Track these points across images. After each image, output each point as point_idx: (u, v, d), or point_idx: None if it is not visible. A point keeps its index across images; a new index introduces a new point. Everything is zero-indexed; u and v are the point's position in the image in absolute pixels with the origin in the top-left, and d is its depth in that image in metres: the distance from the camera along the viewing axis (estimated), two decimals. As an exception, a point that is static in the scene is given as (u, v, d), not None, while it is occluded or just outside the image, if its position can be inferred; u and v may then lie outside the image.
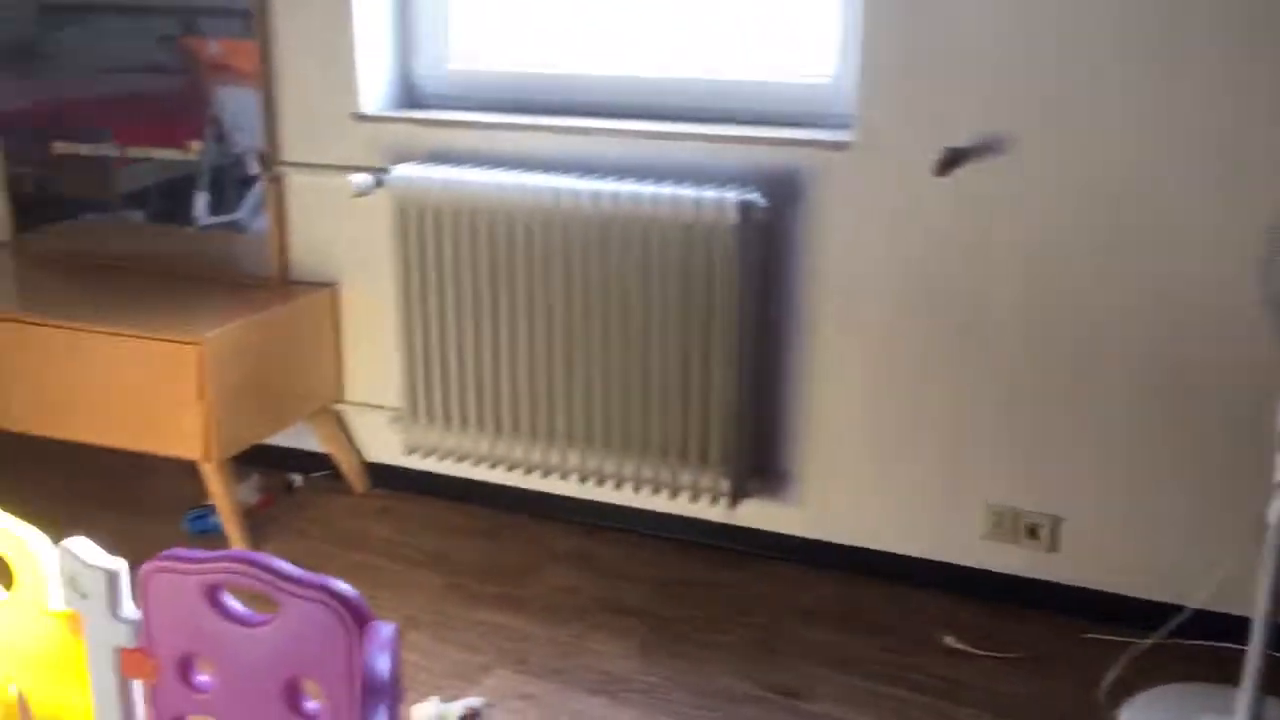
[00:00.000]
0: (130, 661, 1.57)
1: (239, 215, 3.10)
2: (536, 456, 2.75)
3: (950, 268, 2.43)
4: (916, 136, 2.39)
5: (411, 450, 2.88)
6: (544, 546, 2.80)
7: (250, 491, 3.00)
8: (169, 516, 2.89)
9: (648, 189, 2.50)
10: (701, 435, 2.58)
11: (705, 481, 2.61)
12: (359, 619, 1.43)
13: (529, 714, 2.17)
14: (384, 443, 3.04)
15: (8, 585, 1.65)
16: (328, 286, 2.98)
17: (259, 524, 2.88)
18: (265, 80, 2.90)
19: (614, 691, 2.23)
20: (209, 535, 2.82)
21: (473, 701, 2.18)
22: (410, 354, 2.81)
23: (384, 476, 3.09)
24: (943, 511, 2.55)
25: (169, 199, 3.19)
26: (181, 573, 1.51)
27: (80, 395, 2.72)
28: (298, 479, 3.14)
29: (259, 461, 2.98)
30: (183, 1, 2.96)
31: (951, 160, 2.34)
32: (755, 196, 2.47)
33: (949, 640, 2.38)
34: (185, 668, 1.55)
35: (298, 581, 1.45)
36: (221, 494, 2.71)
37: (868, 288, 2.51)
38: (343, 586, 1.44)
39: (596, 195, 2.53)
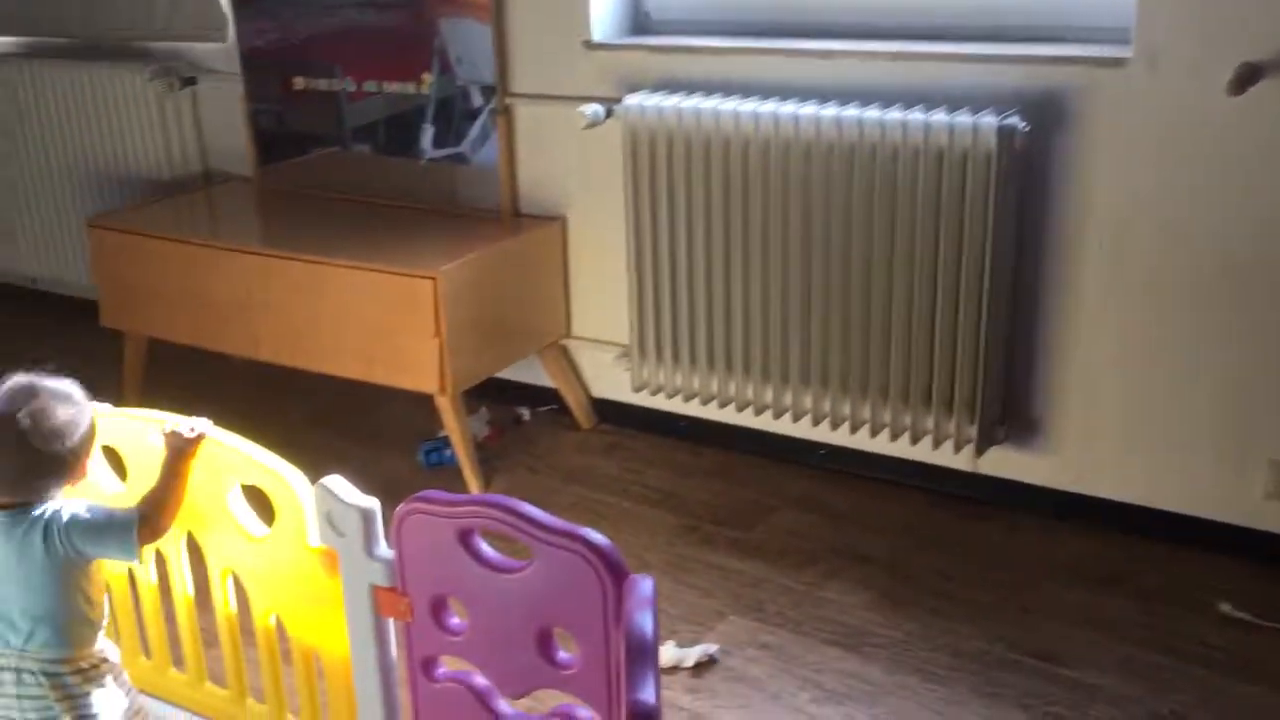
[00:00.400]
0: (385, 600, 1.58)
1: (463, 148, 3.10)
2: (769, 397, 2.65)
3: (1236, 199, 2.18)
4: (1204, 50, 2.13)
5: (639, 388, 2.83)
6: (776, 489, 2.71)
7: (480, 425, 3.02)
8: (404, 448, 2.95)
9: (895, 115, 2.34)
10: (947, 378, 2.42)
11: (949, 427, 2.45)
12: (615, 572, 1.38)
13: (766, 663, 2.11)
14: (611, 379, 3.01)
15: (270, 520, 1.68)
16: (556, 220, 2.95)
17: (488, 457, 2.90)
18: (495, 11, 2.85)
19: (854, 645, 2.14)
20: (443, 468, 2.86)
21: (709, 648, 2.13)
22: (639, 289, 2.75)
23: (611, 412, 3.07)
24: (1219, 467, 2.32)
25: (396, 133, 3.22)
26: (435, 515, 1.49)
27: (321, 327, 2.78)
28: (525, 413, 3.15)
29: (487, 395, 3.00)
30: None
31: (1247, 77, 2.08)
32: (1015, 121, 2.27)
33: (1226, 608, 2.17)
34: (438, 609, 1.55)
35: (552, 530, 1.41)
36: (455, 428, 2.74)
37: (1139, 221, 2.28)
38: (598, 538, 1.39)
39: (839, 122, 2.38)
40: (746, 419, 2.77)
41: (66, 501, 1.60)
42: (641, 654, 1.18)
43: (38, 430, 1.55)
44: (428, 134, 3.16)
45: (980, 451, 2.47)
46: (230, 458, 1.67)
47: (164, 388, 2.94)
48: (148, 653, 1.91)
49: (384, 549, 1.58)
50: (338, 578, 1.61)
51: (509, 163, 2.97)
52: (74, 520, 1.57)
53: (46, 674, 1.59)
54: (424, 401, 2.76)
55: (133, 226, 3.05)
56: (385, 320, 2.68)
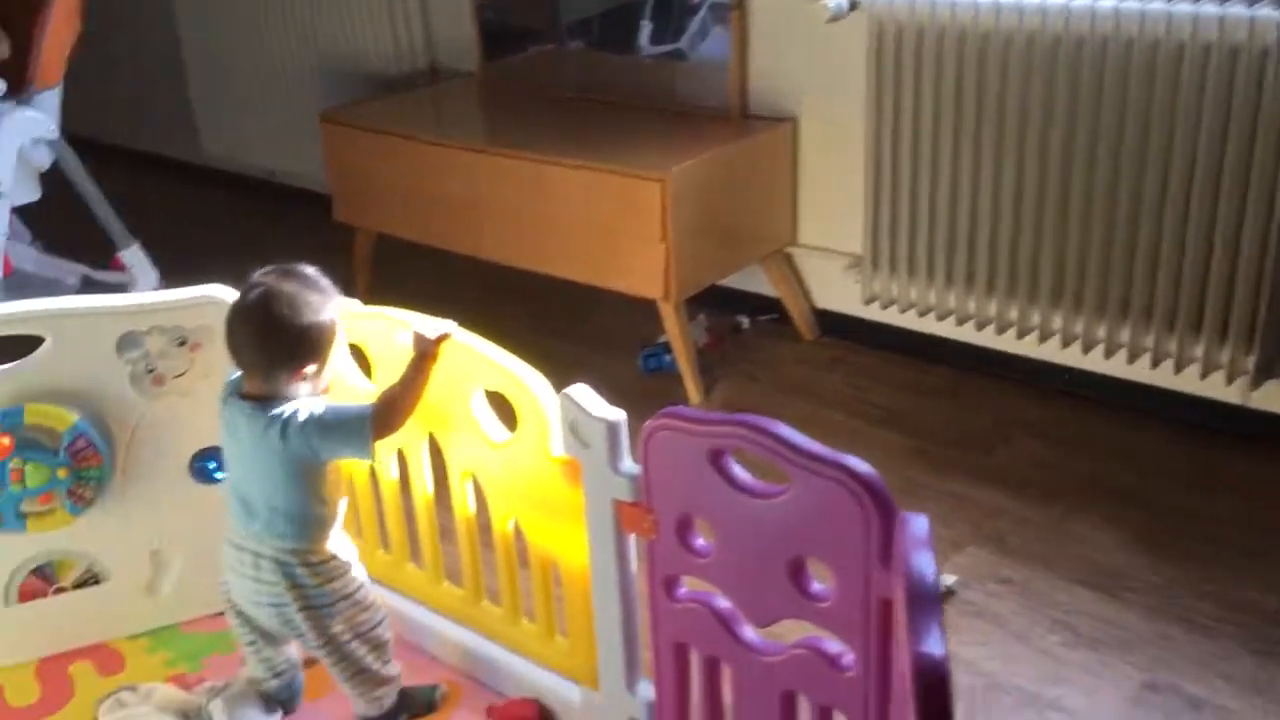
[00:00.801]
0: (628, 515, 1.53)
1: (681, 44, 2.97)
2: (1013, 314, 2.47)
3: None
4: None
5: (870, 300, 2.70)
6: (1015, 413, 2.54)
7: (698, 332, 2.95)
8: (622, 352, 2.91)
9: (1184, 6, 2.09)
10: (1222, 302, 2.20)
11: (1222, 356, 2.23)
12: (881, 506, 1.28)
13: (1009, 600, 1.99)
14: (836, 289, 2.88)
15: (512, 425, 1.65)
16: (787, 120, 2.81)
17: (707, 365, 2.83)
18: (733, -105, 2.70)
19: (1109, 587, 1.99)
20: (662, 374, 2.81)
21: (947, 579, 2.02)
22: (876, 196, 2.59)
23: (834, 324, 2.94)
24: None
25: (611, 28, 3.12)
26: (686, 433, 1.43)
27: (546, 228, 2.74)
28: (744, 321, 3.06)
29: (705, 302, 2.92)
30: None
31: None
32: (1330, 13, 1.99)
33: None
34: (684, 528, 1.49)
35: (814, 456, 1.32)
36: (678, 335, 2.67)
37: None
38: (864, 468, 1.30)
39: (1118, 14, 2.15)
40: (984, 338, 2.61)
41: (306, 401, 1.61)
42: (925, 601, 1.09)
43: (289, 317, 1.56)
44: (645, 30, 3.05)
45: (1256, 384, 2.24)
46: (474, 361, 1.65)
47: (391, 284, 2.98)
48: (387, 547, 1.94)
49: (629, 463, 1.53)
50: (579, 489, 1.57)
51: (740, 60, 2.83)
52: (310, 419, 1.58)
53: (278, 562, 1.63)
54: (643, 306, 2.70)
55: (363, 122, 3.07)
56: (611, 222, 2.62)
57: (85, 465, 1.83)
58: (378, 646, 1.71)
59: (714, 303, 3.01)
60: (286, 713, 1.79)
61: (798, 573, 1.39)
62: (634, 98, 3.03)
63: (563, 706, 1.75)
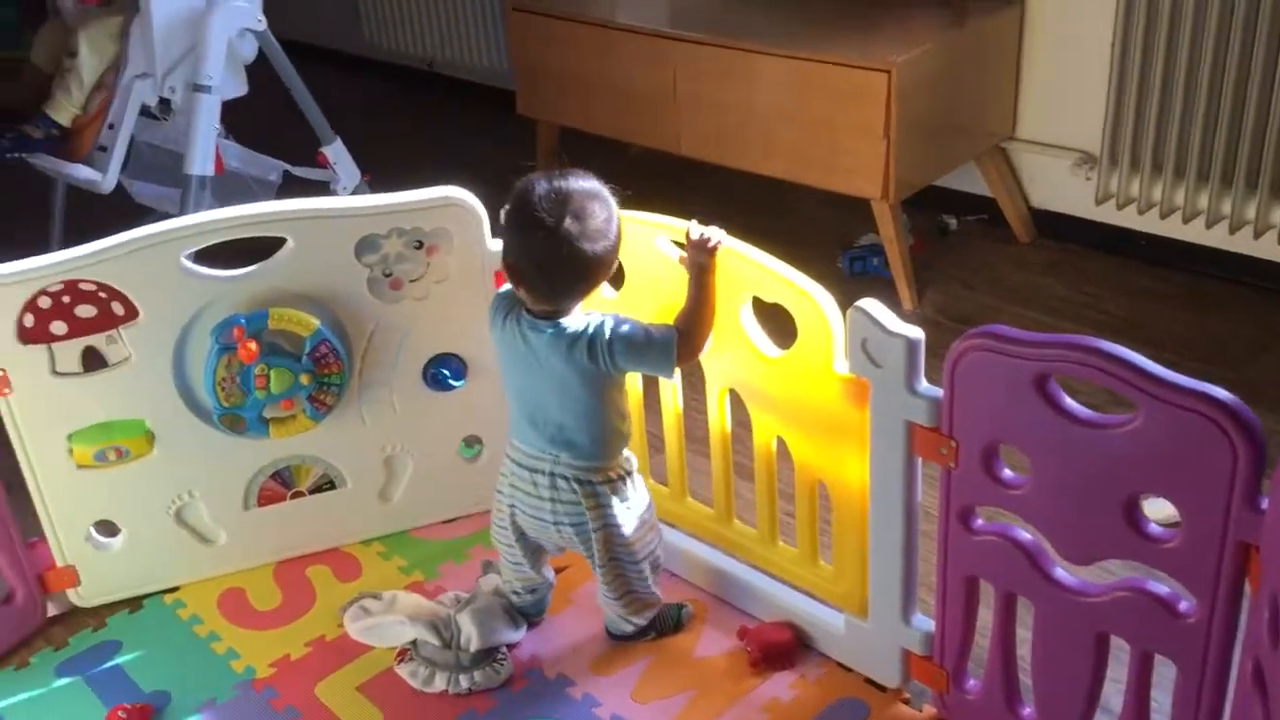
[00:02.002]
0: (924, 440, 1.42)
1: None
2: (1275, 218, 2.27)
3: None
4: None
5: (1104, 199, 2.51)
6: (1267, 324, 2.36)
7: (904, 233, 2.79)
8: (820, 252, 2.76)
9: None
10: None
11: None
12: (1252, 441, 1.15)
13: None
14: (1057, 187, 2.69)
15: (786, 341, 1.55)
16: (1013, 4, 2.59)
17: (915, 269, 2.67)
18: None
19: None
20: (868, 277, 2.68)
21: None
22: (1118, 86, 2.39)
23: (1052, 225, 2.76)
24: None
25: None
26: (1006, 354, 1.31)
27: (751, 123, 2.60)
28: (952, 222, 2.89)
29: (907, 200, 2.75)
30: None
31: None
32: None
33: None
34: (989, 457, 1.38)
35: (1167, 385, 1.19)
36: (893, 237, 2.53)
37: None
38: (1230, 399, 1.16)
39: None
40: (1227, 240, 2.41)
41: (603, 315, 1.53)
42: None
43: (582, 231, 1.46)
44: None
45: None
46: (747, 270, 1.54)
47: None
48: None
49: (926, 384, 1.42)
50: (864, 410, 1.47)
51: (964, -63, 2.61)
52: (617, 335, 1.50)
53: (580, 480, 1.56)
54: (839, 204, 2.55)
55: (554, 10, 2.93)
56: (826, 117, 2.46)
57: (327, 371, 1.79)
58: (655, 567, 1.65)
59: (916, 201, 2.84)
60: (531, 627, 1.76)
61: (1132, 509, 1.27)
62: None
63: (822, 633, 1.68)
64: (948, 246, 2.82)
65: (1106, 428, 1.25)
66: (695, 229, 1.54)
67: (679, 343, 1.51)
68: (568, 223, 1.45)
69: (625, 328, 1.51)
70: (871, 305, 1.42)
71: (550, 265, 1.48)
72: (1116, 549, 1.30)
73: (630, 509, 1.60)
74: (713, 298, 1.54)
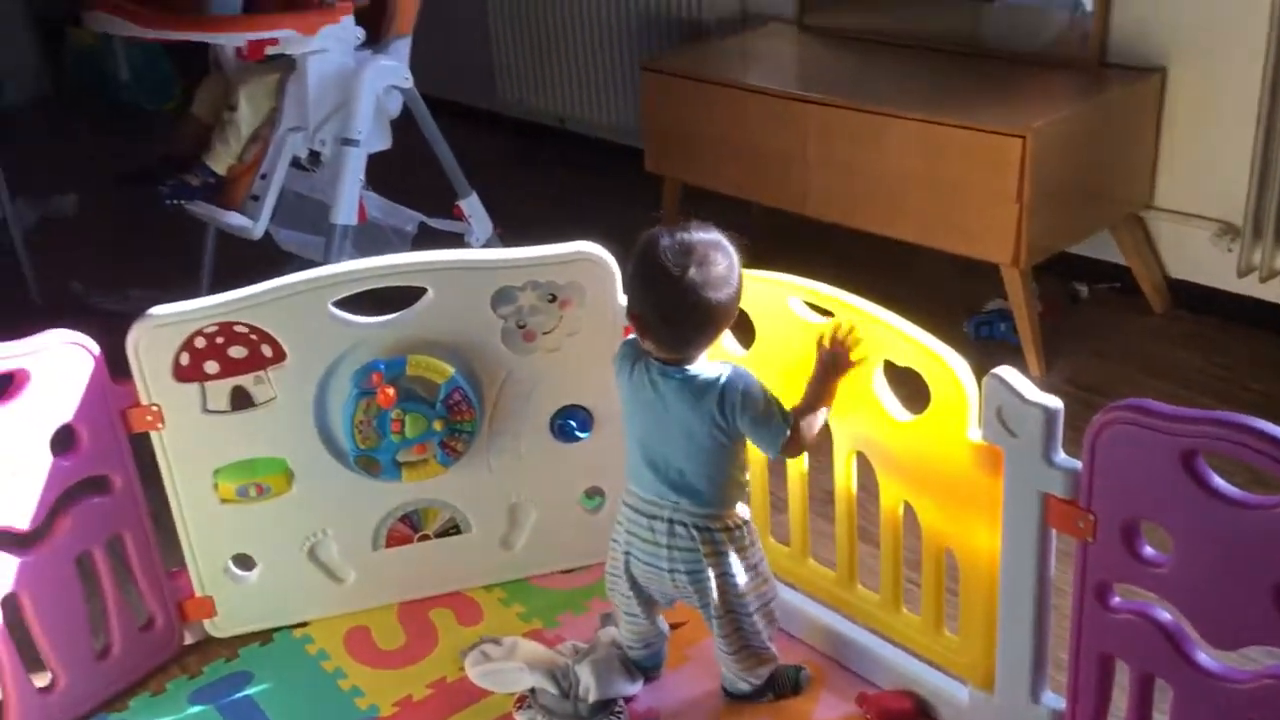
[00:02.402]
0: (1059, 513, 1.40)
1: None
2: None
3: None
4: None
5: (1247, 271, 2.44)
6: None
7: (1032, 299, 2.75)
8: (942, 316, 2.68)
9: None
10: None
11: None
12: None
13: None
14: (1195, 258, 2.62)
15: (916, 406, 1.54)
16: (1154, 72, 2.55)
17: (1044, 336, 2.63)
18: None
19: None
20: (993, 342, 2.64)
21: None
22: (1265, 154, 2.32)
23: (1189, 297, 2.68)
24: None
25: None
26: (1150, 429, 1.28)
27: (879, 185, 2.60)
28: (1083, 289, 2.83)
29: (1037, 266, 2.71)
30: None
31: None
32: None
33: None
34: (1130, 533, 1.35)
35: (1324, 467, 1.15)
36: (1022, 303, 2.49)
37: None
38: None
39: None
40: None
41: (735, 369, 1.55)
42: None
43: (705, 280, 1.48)
44: None
45: None
46: (880, 333, 1.54)
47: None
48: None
49: (1064, 456, 1.39)
50: (998, 478, 1.45)
51: (1103, 6, 2.59)
52: (746, 399, 1.52)
53: (698, 528, 1.58)
54: (964, 266, 2.52)
55: (686, 70, 2.98)
56: (957, 180, 2.45)
57: (459, 419, 1.84)
58: (770, 621, 1.65)
59: (1046, 267, 2.79)
60: (648, 681, 1.76)
61: (1282, 595, 1.22)
62: (966, 44, 2.84)
63: (945, 704, 1.64)
64: (1078, 314, 2.77)
65: (1257, 509, 1.22)
66: (841, 332, 1.55)
67: (790, 435, 1.53)
68: (691, 272, 1.47)
69: (754, 395, 1.53)
70: (1008, 373, 1.41)
71: (675, 314, 1.50)
72: (1264, 635, 1.25)
73: (745, 559, 1.60)
74: (831, 398, 1.56)
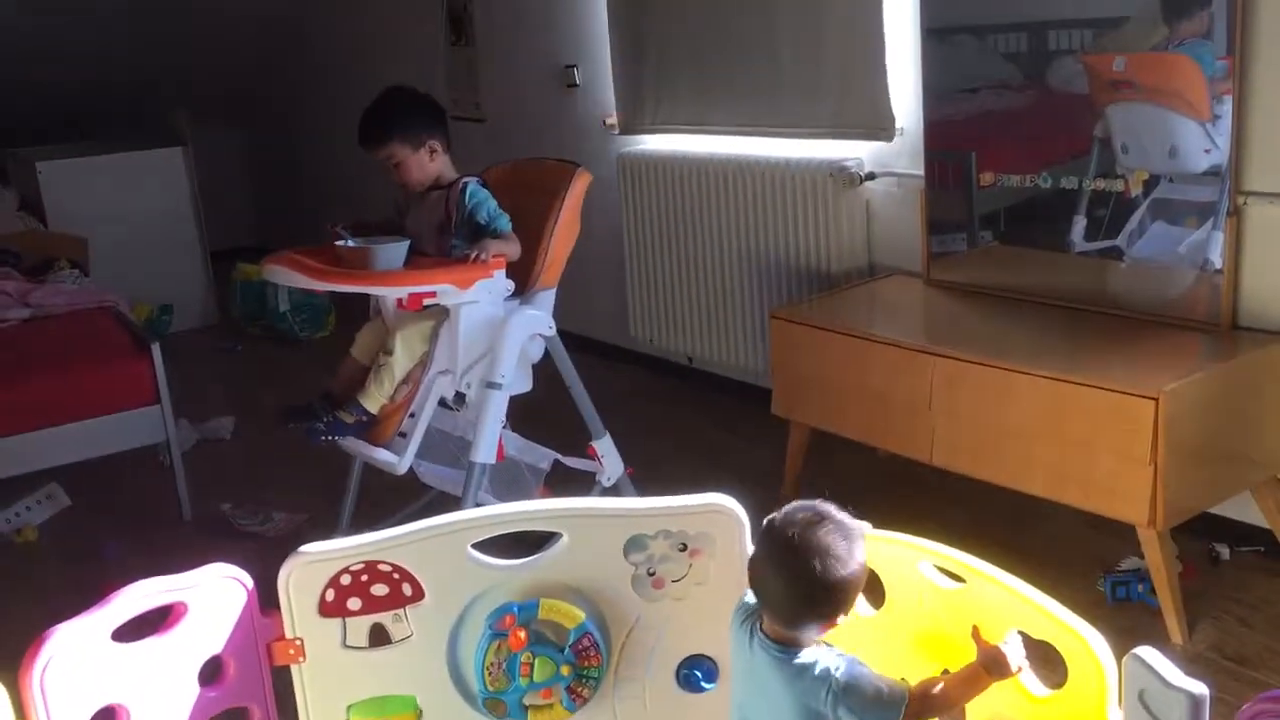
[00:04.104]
0: (1211, 807, 1.34)
1: (1117, 242, 2.83)
2: None
3: None
4: None
5: (1401, 543, 2.34)
6: None
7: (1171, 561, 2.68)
8: (1074, 573, 2.66)
9: None
10: None
11: None
12: None
13: None
14: (1346, 525, 2.54)
15: (1052, 679, 1.51)
16: (1285, 336, 2.55)
17: (1184, 598, 2.54)
18: (1237, 98, 2.54)
19: None
20: (1131, 605, 2.56)
21: None
22: None
23: (1340, 564, 2.58)
24: None
25: (1030, 221, 3.04)
26: (1303, 724, 1.24)
27: (1008, 439, 2.61)
28: (1224, 551, 2.75)
29: (1175, 526, 2.64)
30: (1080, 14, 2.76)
31: None
32: None
33: None
34: (1289, 834, 1.28)
35: None
36: (1160, 565, 2.43)
37: None
38: None
39: None
40: None
41: (839, 655, 1.55)
42: None
43: (828, 573, 1.50)
44: (1079, 225, 2.94)
45: None
46: (1014, 603, 1.53)
47: (819, 479, 2.93)
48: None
49: (1213, 745, 1.34)
50: (1139, 764, 1.40)
51: (1233, 269, 2.62)
52: (849, 683, 1.51)
53: None
54: (1098, 521, 2.47)
55: (813, 320, 3.09)
56: (1087, 438, 2.45)
57: (587, 665, 1.86)
58: None
59: (1183, 527, 2.73)
60: None
61: None
62: (1093, 301, 2.88)
63: None
64: (1220, 577, 2.67)
65: None
66: (1012, 646, 1.52)
67: (910, 712, 1.50)
68: (812, 562, 1.50)
69: (858, 678, 1.51)
70: (1149, 654, 1.38)
71: (786, 595, 1.53)
72: None
73: None
74: (970, 696, 1.54)
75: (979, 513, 2.95)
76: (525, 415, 2.89)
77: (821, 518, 1.54)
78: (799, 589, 1.53)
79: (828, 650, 1.56)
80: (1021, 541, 2.87)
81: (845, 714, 1.52)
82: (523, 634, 1.83)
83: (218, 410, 4.17)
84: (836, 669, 1.52)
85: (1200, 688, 1.34)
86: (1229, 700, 1.31)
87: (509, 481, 2.66)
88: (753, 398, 3.59)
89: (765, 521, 1.58)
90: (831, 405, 3.05)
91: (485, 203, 2.61)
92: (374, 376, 2.55)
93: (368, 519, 1.84)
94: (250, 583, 1.79)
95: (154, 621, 1.73)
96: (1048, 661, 1.53)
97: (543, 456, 2.77)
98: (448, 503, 2.49)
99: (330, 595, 1.82)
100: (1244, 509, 2.67)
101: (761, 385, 3.35)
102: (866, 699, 1.51)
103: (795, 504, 1.58)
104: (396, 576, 1.83)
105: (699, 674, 1.92)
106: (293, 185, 6.82)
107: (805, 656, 1.54)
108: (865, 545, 1.57)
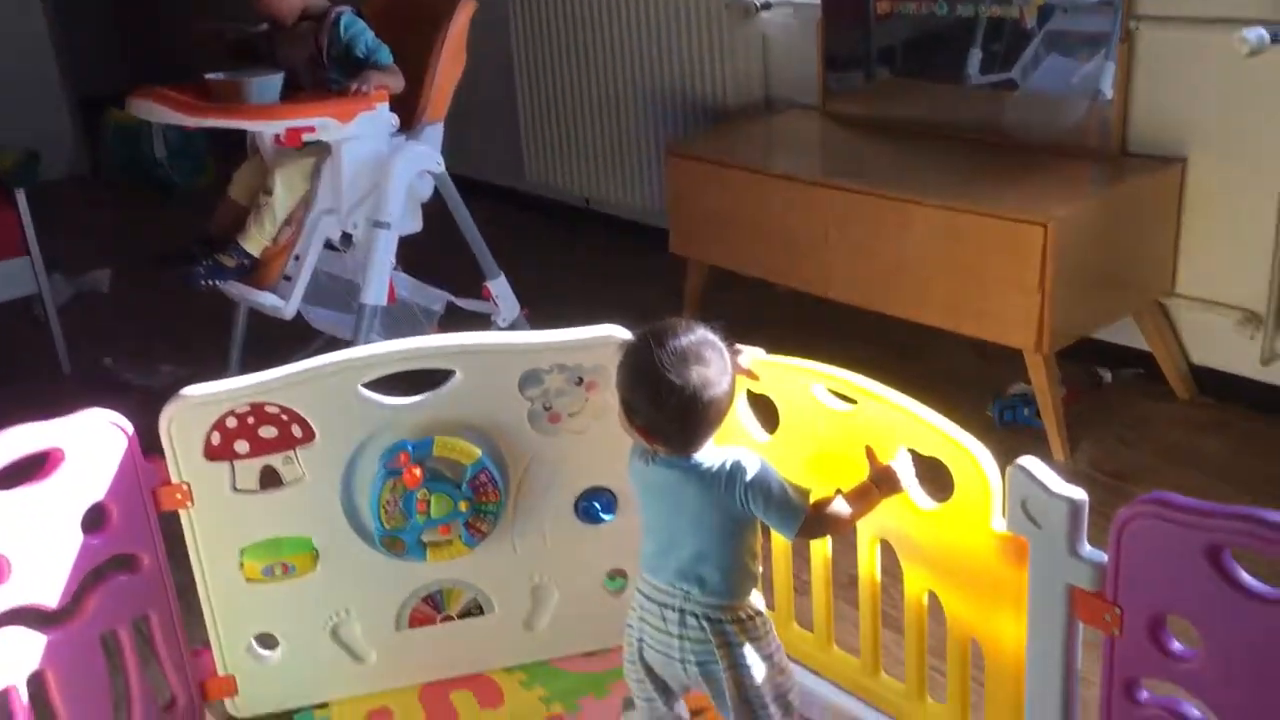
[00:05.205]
0: (1086, 606, 1.39)
1: (1012, 74, 2.83)
2: None
3: None
4: None
5: (1270, 359, 2.44)
6: None
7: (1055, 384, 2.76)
8: (965, 399, 2.71)
9: None
10: None
11: None
12: None
13: None
14: (1221, 346, 2.63)
15: (940, 494, 1.55)
16: (1175, 162, 2.58)
17: (1067, 421, 2.63)
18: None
19: None
20: (1017, 427, 2.64)
21: None
22: (1286, 247, 2.34)
23: (1214, 384, 2.69)
24: None
25: (927, 54, 3.03)
26: (1174, 523, 1.28)
27: (904, 271, 2.63)
28: (1106, 375, 2.84)
29: (1060, 351, 2.71)
30: None
31: None
32: None
33: None
34: (1156, 627, 1.34)
35: (1351, 564, 1.15)
36: (1045, 389, 2.50)
37: None
38: None
39: None
40: None
41: (743, 453, 1.56)
42: None
43: (704, 380, 1.49)
44: (975, 58, 2.94)
45: None
46: (904, 422, 1.55)
47: (713, 316, 2.93)
48: (772, 605, 1.87)
49: (1090, 549, 1.39)
50: (1023, 570, 1.45)
51: (1123, 96, 2.63)
52: (755, 482, 1.52)
53: (709, 619, 1.57)
54: (989, 350, 2.53)
55: (709, 155, 3.04)
56: (978, 267, 2.48)
57: (484, 500, 1.85)
58: (788, 712, 1.63)
59: (1069, 352, 2.80)
60: (669, 768, 1.74)
61: (1315, 693, 1.21)
62: (987, 132, 2.88)
63: (971, 796, 1.62)
64: (1102, 400, 2.77)
65: (1284, 605, 1.21)
66: (901, 462, 1.55)
67: (804, 523, 1.53)
68: (693, 379, 1.48)
69: (766, 476, 1.53)
70: (1032, 463, 1.41)
71: (684, 421, 1.51)
72: (1295, 733, 1.24)
73: (759, 651, 1.59)
74: (865, 513, 1.56)
75: (876, 347, 2.97)
76: (416, 257, 2.81)
77: (689, 345, 1.51)
78: (694, 417, 1.51)
79: (730, 450, 1.57)
80: (915, 371, 2.92)
81: (757, 508, 1.54)
82: (418, 471, 1.81)
83: (94, 264, 4.00)
84: (746, 464, 1.54)
85: (1080, 493, 1.39)
86: (1107, 513, 1.35)
87: (401, 324, 2.60)
88: (651, 238, 3.56)
89: (636, 362, 1.53)
90: (729, 242, 3.03)
91: (363, 34, 2.48)
92: (254, 218, 2.44)
93: (257, 368, 1.78)
94: (130, 428, 1.73)
95: (32, 472, 1.66)
96: (936, 480, 1.56)
97: (435, 298, 2.71)
98: (340, 348, 2.43)
99: (216, 438, 1.77)
100: (1126, 333, 2.75)
101: (660, 226, 3.31)
102: (774, 499, 1.53)
103: (653, 338, 1.53)
104: (285, 418, 1.78)
105: (598, 505, 1.94)
106: (161, 26, 6.42)
107: (711, 459, 1.55)
108: (746, 360, 1.58)
